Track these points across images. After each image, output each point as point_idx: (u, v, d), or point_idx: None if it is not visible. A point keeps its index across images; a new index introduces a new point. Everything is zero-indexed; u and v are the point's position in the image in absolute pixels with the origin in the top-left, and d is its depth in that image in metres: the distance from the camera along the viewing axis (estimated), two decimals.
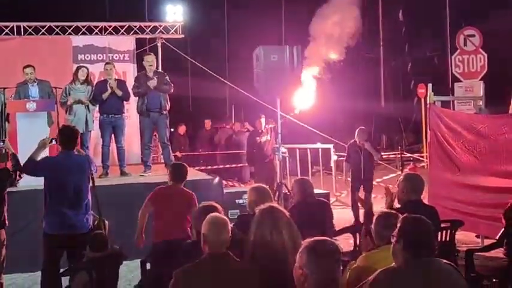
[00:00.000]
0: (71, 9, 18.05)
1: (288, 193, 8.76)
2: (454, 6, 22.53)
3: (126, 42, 12.22)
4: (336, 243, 3.04)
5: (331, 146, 12.79)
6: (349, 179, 9.81)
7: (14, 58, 11.04)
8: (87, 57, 11.82)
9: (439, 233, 5.39)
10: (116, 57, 11.94)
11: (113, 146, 9.43)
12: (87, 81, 9.19)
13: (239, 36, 22.81)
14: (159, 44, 12.65)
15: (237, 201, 8.93)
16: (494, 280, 5.20)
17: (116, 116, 9.12)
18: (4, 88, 8.94)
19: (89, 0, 21.98)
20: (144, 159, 9.50)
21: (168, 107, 9.17)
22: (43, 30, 11.99)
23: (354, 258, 3.95)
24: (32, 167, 5.52)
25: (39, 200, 5.66)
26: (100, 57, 11.85)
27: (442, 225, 5.51)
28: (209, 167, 13.53)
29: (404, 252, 3.08)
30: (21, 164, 5.76)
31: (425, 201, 6.47)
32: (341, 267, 3.02)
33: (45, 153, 6.05)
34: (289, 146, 12.26)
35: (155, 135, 10.03)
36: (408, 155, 16.16)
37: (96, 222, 5.66)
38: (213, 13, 25.45)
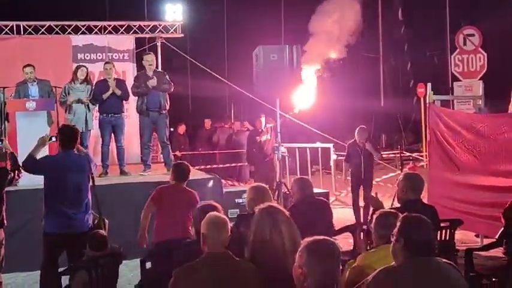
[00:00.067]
0: (71, 9, 18.04)
1: (288, 192, 8.76)
2: (454, 6, 22.51)
3: (126, 42, 12.22)
4: (335, 242, 3.04)
5: (330, 145, 12.79)
6: (349, 178, 9.81)
7: (13, 57, 11.05)
8: (87, 56, 11.82)
9: (439, 232, 5.40)
10: (116, 56, 11.94)
11: (113, 146, 9.43)
12: (86, 80, 9.19)
13: (239, 36, 22.80)
14: (158, 44, 12.65)
15: (236, 200, 8.94)
16: (493, 279, 5.20)
17: (116, 115, 9.12)
18: (4, 87, 8.96)
19: (88, 0, 21.98)
20: (143, 158, 9.51)
21: (167, 107, 9.17)
22: (43, 30, 12.00)
23: (353, 257, 3.96)
24: (32, 164, 5.52)
25: (39, 199, 5.66)
26: (100, 56, 11.86)
27: (442, 224, 5.51)
28: (208, 166, 13.53)
29: (404, 252, 3.09)
30: (20, 163, 5.77)
31: (425, 200, 6.48)
32: (340, 267, 3.02)
33: (44, 151, 6.06)
34: (289, 145, 12.27)
35: (155, 134, 10.03)
36: (408, 154, 16.15)
37: (96, 221, 5.66)
38: (212, 12, 25.43)
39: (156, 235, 5.80)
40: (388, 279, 3.02)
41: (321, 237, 3.01)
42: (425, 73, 20.06)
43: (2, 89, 8.93)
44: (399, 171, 11.56)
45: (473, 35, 13.79)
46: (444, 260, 3.13)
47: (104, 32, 12.32)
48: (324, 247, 2.94)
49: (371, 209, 9.05)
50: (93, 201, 5.70)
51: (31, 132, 6.35)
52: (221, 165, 14.28)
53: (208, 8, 24.48)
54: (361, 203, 9.31)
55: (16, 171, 5.91)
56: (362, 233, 5.87)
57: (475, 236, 8.08)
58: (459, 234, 6.48)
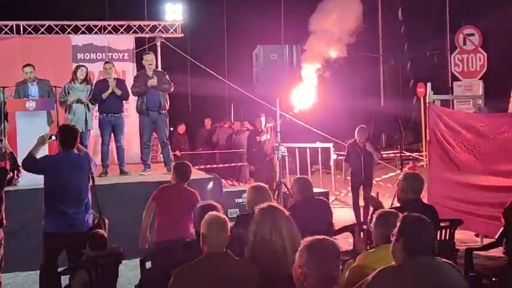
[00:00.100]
0: (71, 8, 17.99)
1: (288, 192, 8.76)
2: (454, 6, 22.51)
3: (126, 41, 12.22)
4: (335, 242, 3.04)
5: (330, 145, 12.79)
6: (349, 178, 9.80)
7: (13, 57, 11.05)
8: (87, 56, 11.83)
9: (439, 232, 5.40)
10: (116, 56, 11.95)
11: (113, 145, 9.43)
12: (86, 80, 9.20)
13: (238, 35, 22.78)
14: (158, 43, 12.65)
15: (236, 200, 8.95)
16: (493, 279, 5.20)
17: (116, 115, 9.12)
18: (4, 87, 8.96)
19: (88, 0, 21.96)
20: (143, 158, 9.50)
21: (167, 106, 9.17)
22: (42, 29, 12.00)
23: (353, 257, 3.96)
24: (31, 164, 5.52)
25: (39, 199, 5.66)
26: (99, 56, 11.86)
27: (442, 224, 5.51)
28: (208, 166, 13.53)
29: (404, 251, 3.09)
30: (20, 162, 5.77)
31: (425, 200, 6.48)
32: (340, 266, 3.02)
33: (44, 150, 6.06)
34: (289, 145, 12.26)
35: (155, 134, 10.02)
36: (408, 154, 16.15)
37: (96, 221, 5.66)
38: (212, 12, 25.40)
39: (157, 235, 5.80)
40: (387, 279, 3.02)
41: (321, 237, 3.01)
42: (425, 73, 20.07)
43: (1, 88, 8.93)
44: (399, 171, 11.56)
45: (473, 34, 13.79)
46: (444, 259, 3.13)
47: (104, 31, 12.32)
48: (324, 247, 2.94)
49: (371, 208, 9.08)
50: (93, 200, 5.69)
51: (31, 132, 6.36)
52: (221, 165, 14.29)
53: (208, 8, 24.45)
54: (361, 203, 9.31)
55: (15, 171, 5.91)
56: (362, 233, 5.87)
57: (475, 235, 8.08)
58: (459, 234, 6.48)
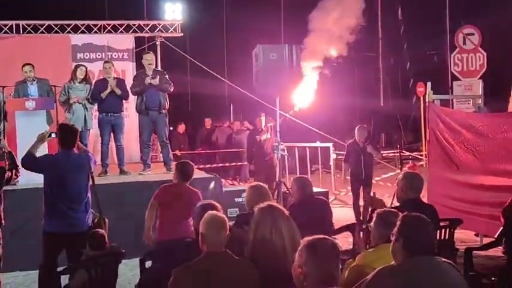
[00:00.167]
0: (70, 8, 18.01)
1: (287, 192, 8.76)
2: (454, 5, 22.52)
3: (125, 41, 12.22)
4: (335, 241, 3.04)
5: (330, 144, 12.80)
6: (348, 177, 9.80)
7: (13, 56, 11.05)
8: (86, 55, 11.82)
9: (438, 231, 5.40)
10: (115, 55, 11.95)
11: (112, 145, 9.44)
12: (85, 79, 9.21)
13: (238, 35, 22.79)
14: (158, 43, 12.65)
15: (236, 199, 8.96)
16: (493, 278, 5.20)
17: (115, 114, 9.12)
18: (3, 86, 8.96)
19: None
20: (143, 157, 9.50)
21: (167, 106, 9.17)
22: (42, 29, 12.00)
23: (353, 256, 3.96)
24: (31, 162, 5.52)
25: (38, 199, 5.66)
26: (99, 55, 11.86)
27: (441, 223, 5.51)
28: (208, 166, 13.54)
29: (403, 251, 3.09)
30: (19, 161, 5.77)
31: (424, 199, 6.48)
32: (340, 266, 3.02)
33: (44, 148, 6.05)
34: (288, 145, 12.26)
35: (154, 134, 10.02)
36: (407, 153, 16.15)
37: (96, 220, 5.66)
38: (212, 11, 25.41)
39: (158, 234, 5.80)
40: (387, 278, 3.02)
41: (321, 236, 3.01)
42: (424, 72, 20.05)
43: (1, 88, 8.93)
44: (399, 171, 11.55)
45: (472, 34, 13.78)
46: (444, 259, 3.13)
47: (104, 31, 12.32)
48: (324, 246, 2.94)
49: (370, 208, 9.08)
50: (93, 200, 5.69)
51: (30, 132, 6.34)
52: (221, 165, 14.30)
53: (207, 7, 24.46)
54: (361, 202, 9.31)
55: (14, 171, 5.90)
56: (361, 232, 5.87)
57: (475, 235, 8.08)
58: (459, 234, 6.47)
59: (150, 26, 12.68)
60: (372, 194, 9.35)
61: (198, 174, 8.99)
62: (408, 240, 3.08)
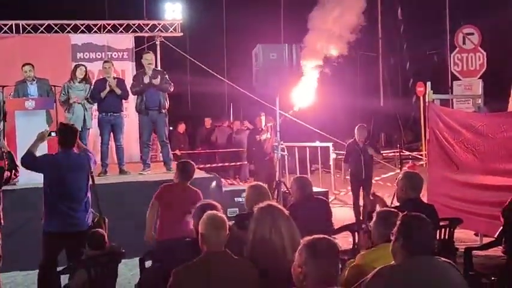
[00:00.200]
0: (70, 8, 18.01)
1: (287, 191, 8.76)
2: (454, 5, 22.52)
3: (125, 41, 12.22)
4: (334, 241, 3.04)
5: (330, 144, 12.80)
6: (348, 177, 9.79)
7: (12, 56, 11.05)
8: (86, 55, 11.83)
9: (438, 231, 5.40)
10: (115, 55, 11.95)
11: (112, 145, 9.43)
12: (85, 79, 9.21)
13: (238, 34, 22.78)
14: (157, 42, 12.65)
15: (236, 199, 8.95)
16: (493, 278, 5.20)
17: (115, 114, 9.11)
18: (3, 86, 8.96)
19: None
20: (143, 157, 9.50)
21: (167, 106, 9.17)
22: (42, 29, 12.00)
23: (352, 256, 3.96)
24: (31, 161, 5.52)
25: (38, 198, 5.66)
26: (99, 55, 11.87)
27: (441, 223, 5.51)
28: (208, 165, 13.54)
29: (403, 250, 3.09)
30: (18, 161, 5.77)
31: (424, 199, 6.47)
32: (340, 266, 3.02)
33: (44, 147, 6.05)
34: (288, 144, 12.26)
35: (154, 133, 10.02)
36: (407, 153, 16.15)
37: (95, 220, 5.66)
38: (211, 11, 25.41)
39: (159, 233, 5.80)
40: (387, 278, 3.02)
41: (321, 236, 3.01)
42: (424, 72, 20.10)
43: (1, 87, 8.93)
44: (398, 170, 11.56)
45: (472, 33, 13.79)
46: (443, 259, 3.13)
47: (103, 31, 12.32)
48: (324, 246, 2.94)
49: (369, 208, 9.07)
50: (93, 200, 5.69)
51: (30, 131, 6.34)
52: (220, 164, 14.29)
53: (207, 7, 24.46)
54: (361, 203, 9.31)
55: (13, 171, 5.89)
56: (364, 232, 5.86)
57: (475, 234, 8.08)
58: (458, 233, 6.47)
59: (149, 25, 12.68)
60: (372, 193, 9.35)
61: (198, 174, 8.95)
62: (408, 240, 3.08)
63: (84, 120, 9.03)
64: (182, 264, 3.46)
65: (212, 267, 3.42)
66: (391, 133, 24.44)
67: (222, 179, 9.39)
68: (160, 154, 10.28)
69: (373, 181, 10.21)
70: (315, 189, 7.62)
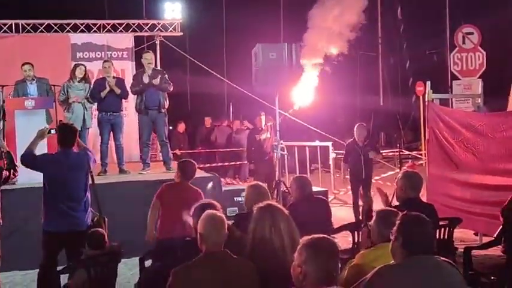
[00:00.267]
0: (70, 7, 18.00)
1: (287, 191, 8.76)
2: (454, 4, 22.52)
3: (125, 40, 12.22)
4: (334, 241, 3.04)
5: (329, 143, 12.80)
6: (347, 176, 9.79)
7: (12, 56, 11.06)
8: (86, 55, 11.83)
9: (438, 230, 5.40)
10: (115, 55, 11.96)
11: (112, 144, 9.43)
12: (84, 78, 9.21)
13: (238, 34, 22.78)
14: (157, 42, 12.66)
15: (235, 198, 8.97)
16: (492, 278, 5.21)
17: (115, 114, 9.12)
18: (3, 86, 8.97)
19: None
20: (142, 157, 9.50)
21: (166, 105, 9.17)
22: (41, 28, 12.01)
23: (352, 255, 3.96)
24: (30, 159, 5.52)
25: (38, 198, 5.65)
26: (98, 55, 11.87)
27: (440, 222, 5.51)
28: (208, 165, 13.54)
29: (402, 250, 3.09)
30: (17, 160, 5.77)
31: (424, 198, 6.48)
32: (339, 265, 3.02)
33: (43, 145, 6.05)
34: (288, 144, 12.27)
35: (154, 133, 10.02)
36: (407, 152, 16.16)
37: (95, 219, 5.66)
38: (211, 11, 25.40)
39: (159, 233, 5.79)
40: (386, 277, 3.02)
41: (320, 235, 3.01)
42: (424, 71, 20.05)
43: (0, 87, 8.93)
44: (398, 170, 11.56)
45: (472, 33, 13.78)
46: (443, 258, 3.13)
47: (103, 30, 12.33)
48: (323, 245, 2.94)
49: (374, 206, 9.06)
50: (93, 199, 5.69)
51: (30, 131, 6.34)
52: (220, 164, 14.29)
53: (207, 6, 24.45)
54: (361, 202, 9.31)
55: (12, 170, 5.89)
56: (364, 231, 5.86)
57: (474, 234, 8.09)
58: (458, 233, 6.49)
59: (149, 25, 12.68)
60: (373, 193, 9.37)
61: (197, 173, 8.95)
62: (407, 240, 3.08)
63: (84, 119, 9.03)
64: (182, 264, 3.46)
65: (212, 267, 3.42)
66: (391, 132, 24.43)
67: (222, 179, 9.39)
68: (160, 154, 10.28)
69: (373, 180, 10.22)
70: (315, 188, 7.62)
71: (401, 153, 12.86)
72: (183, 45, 15.29)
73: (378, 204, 7.29)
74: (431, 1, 23.23)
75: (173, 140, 13.36)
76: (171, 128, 12.91)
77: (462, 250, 5.64)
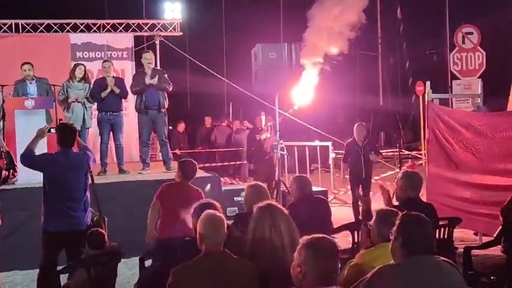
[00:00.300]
0: (70, 7, 18.02)
1: (286, 191, 8.76)
2: (453, 4, 22.53)
3: (125, 40, 12.22)
4: (334, 240, 3.04)
5: (329, 143, 12.80)
6: (347, 176, 9.79)
7: (12, 56, 11.06)
8: (86, 54, 11.83)
9: (437, 230, 5.40)
10: (114, 54, 11.96)
11: (112, 144, 9.43)
12: (84, 78, 9.21)
13: (237, 34, 22.80)
14: (157, 42, 12.66)
15: (235, 198, 8.97)
16: (492, 277, 5.20)
17: (115, 113, 9.11)
18: (2, 86, 8.97)
19: None
20: (142, 157, 9.50)
21: (166, 105, 9.17)
22: (41, 28, 12.01)
23: (352, 255, 3.96)
24: (30, 159, 5.52)
25: (37, 198, 5.65)
26: (98, 54, 11.87)
27: (440, 222, 5.51)
28: (207, 165, 13.54)
29: (402, 250, 3.09)
30: (17, 160, 5.77)
31: (424, 198, 6.48)
32: (339, 265, 3.02)
33: (43, 144, 6.05)
34: (288, 144, 12.26)
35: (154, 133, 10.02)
36: (406, 152, 16.16)
37: (95, 219, 5.66)
38: (211, 10, 25.41)
39: (159, 232, 5.79)
40: (386, 277, 3.02)
41: (320, 235, 3.01)
42: (424, 71, 20.07)
43: (0, 87, 8.93)
44: (398, 170, 11.57)
45: (472, 33, 13.77)
46: (443, 258, 3.13)
47: (103, 30, 12.33)
48: (323, 245, 2.94)
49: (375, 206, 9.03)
50: (93, 199, 5.69)
51: (30, 130, 6.34)
52: (220, 164, 14.30)
53: (207, 6, 24.48)
54: (360, 202, 9.31)
55: (11, 170, 5.89)
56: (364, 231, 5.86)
57: (474, 234, 8.09)
58: (458, 233, 6.49)
59: (149, 25, 12.68)
60: (372, 193, 9.37)
61: (197, 173, 8.99)
62: (407, 239, 3.08)
63: (84, 119, 9.03)
64: (181, 264, 3.46)
65: (211, 267, 3.42)
66: (391, 132, 24.46)
67: (222, 178, 9.39)
68: (160, 153, 10.28)
69: (373, 180, 10.22)
70: (315, 188, 7.62)
71: (401, 153, 12.87)
72: (182, 45, 15.30)
73: (378, 204, 7.29)
74: (431, 1, 23.26)
75: (173, 139, 13.36)
76: (171, 127, 12.92)
77: (462, 250, 5.64)
